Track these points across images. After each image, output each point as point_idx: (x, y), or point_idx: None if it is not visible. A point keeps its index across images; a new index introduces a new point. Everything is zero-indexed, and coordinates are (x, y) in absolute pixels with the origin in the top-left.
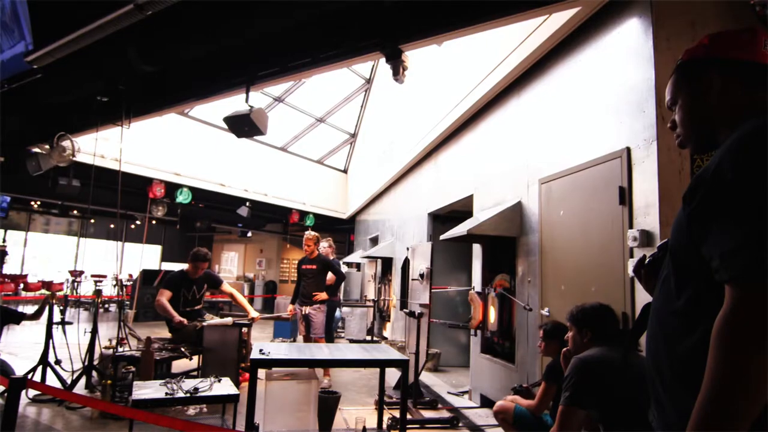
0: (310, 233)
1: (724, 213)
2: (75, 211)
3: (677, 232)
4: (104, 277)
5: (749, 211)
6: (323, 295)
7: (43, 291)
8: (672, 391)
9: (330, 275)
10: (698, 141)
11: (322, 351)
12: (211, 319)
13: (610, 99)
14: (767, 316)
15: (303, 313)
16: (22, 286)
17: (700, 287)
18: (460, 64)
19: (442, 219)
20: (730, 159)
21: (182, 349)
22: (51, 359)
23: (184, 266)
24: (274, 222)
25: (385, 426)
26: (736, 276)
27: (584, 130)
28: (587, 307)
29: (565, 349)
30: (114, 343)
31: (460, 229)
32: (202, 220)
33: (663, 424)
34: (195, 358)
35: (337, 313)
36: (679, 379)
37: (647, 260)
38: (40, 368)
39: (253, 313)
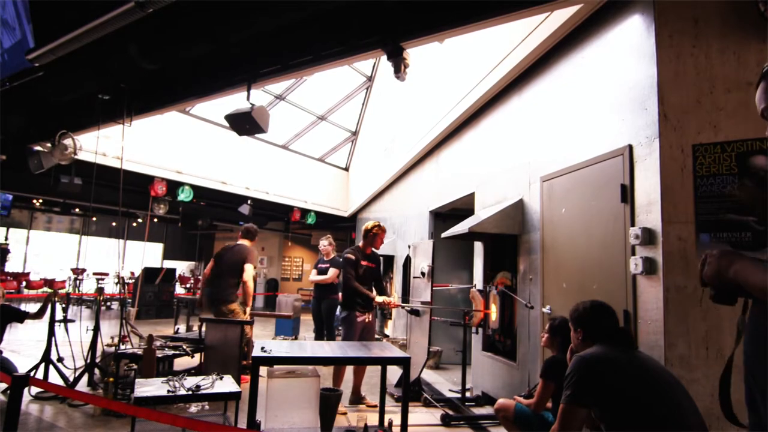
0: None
1: None
2: (77, 209)
3: None
4: (106, 274)
5: None
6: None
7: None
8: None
9: (332, 272)
10: None
11: (323, 349)
12: None
13: (612, 96)
14: None
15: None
16: (24, 284)
17: None
18: (461, 61)
19: (444, 217)
20: None
21: (184, 347)
22: (53, 357)
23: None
24: (275, 220)
25: (386, 424)
26: None
27: (586, 127)
28: (579, 307)
29: (571, 345)
30: (116, 340)
31: (462, 227)
32: (203, 218)
33: (759, 427)
34: (196, 355)
35: (338, 312)
36: None
37: None
38: (42, 366)
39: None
